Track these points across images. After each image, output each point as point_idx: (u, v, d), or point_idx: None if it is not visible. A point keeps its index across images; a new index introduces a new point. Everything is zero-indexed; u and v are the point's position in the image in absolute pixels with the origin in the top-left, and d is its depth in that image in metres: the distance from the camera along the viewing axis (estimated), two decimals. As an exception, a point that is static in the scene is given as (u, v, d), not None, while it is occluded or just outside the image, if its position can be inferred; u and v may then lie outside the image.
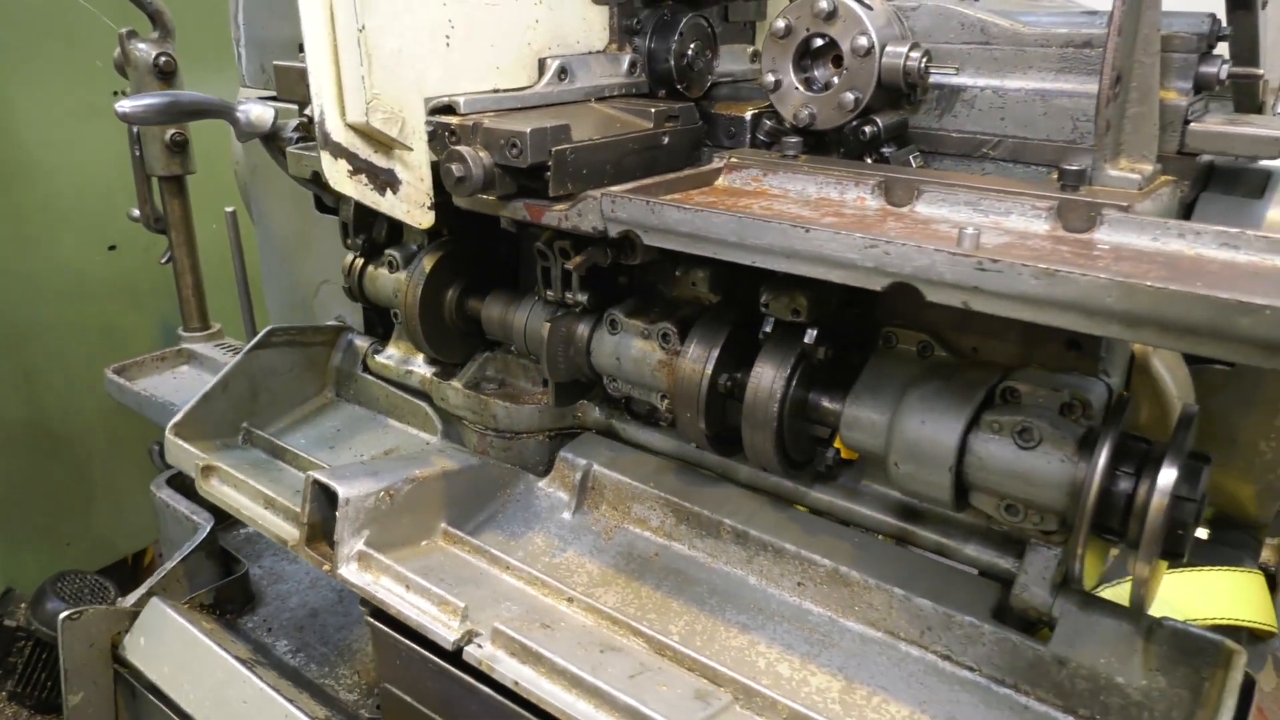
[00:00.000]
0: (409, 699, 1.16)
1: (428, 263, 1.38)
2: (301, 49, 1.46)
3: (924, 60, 1.11)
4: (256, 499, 1.29)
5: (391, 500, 1.17)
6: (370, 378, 1.58)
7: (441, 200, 1.12)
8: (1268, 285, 0.76)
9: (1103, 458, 0.85)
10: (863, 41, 1.10)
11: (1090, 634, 0.94)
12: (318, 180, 1.46)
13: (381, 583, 1.12)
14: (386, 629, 1.15)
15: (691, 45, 1.29)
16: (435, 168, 1.06)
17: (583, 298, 1.22)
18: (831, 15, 1.11)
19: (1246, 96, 1.10)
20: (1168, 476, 0.82)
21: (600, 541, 1.24)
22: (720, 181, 1.11)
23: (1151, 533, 0.82)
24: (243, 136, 1.41)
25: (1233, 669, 0.86)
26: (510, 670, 0.99)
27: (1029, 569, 0.99)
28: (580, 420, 1.39)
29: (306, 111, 1.40)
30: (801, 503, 1.19)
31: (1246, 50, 1.09)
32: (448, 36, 1.03)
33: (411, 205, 1.04)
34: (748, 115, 1.23)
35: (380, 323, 1.63)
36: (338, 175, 0.97)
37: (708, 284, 1.13)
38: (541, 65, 1.17)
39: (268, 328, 1.54)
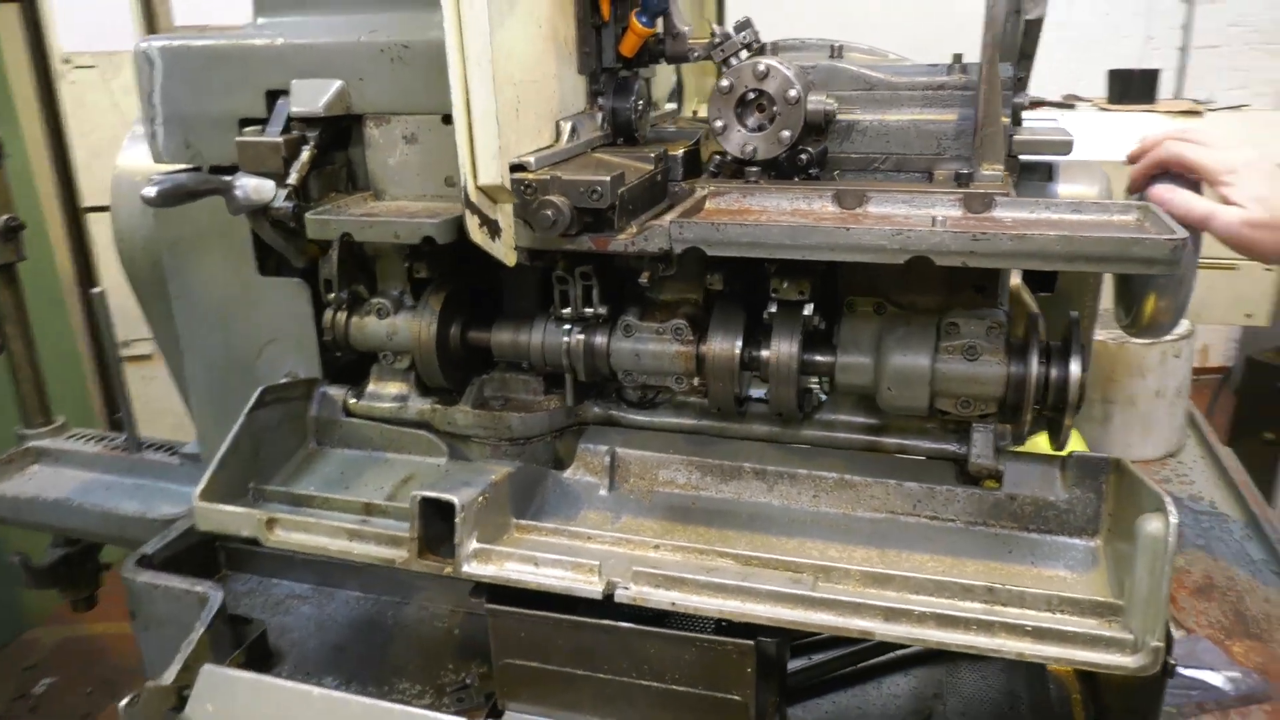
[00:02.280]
0: (536, 664, 1.38)
1: (435, 303, 1.58)
2: (243, 123, 1.61)
3: (835, 105, 1.53)
4: (338, 535, 1.42)
5: (485, 503, 1.38)
6: (358, 420, 1.71)
7: (431, 249, 1.35)
8: (1115, 228, 1.26)
9: (1035, 357, 1.32)
10: (793, 93, 1.49)
11: (1026, 476, 1.41)
12: (309, 244, 1.60)
13: (508, 568, 1.33)
14: (510, 609, 1.36)
15: (640, 101, 1.61)
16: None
17: (604, 310, 1.50)
18: (765, 75, 1.50)
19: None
20: (1077, 363, 1.31)
21: (643, 504, 1.53)
22: (710, 205, 1.45)
23: (1074, 398, 1.30)
24: (238, 210, 1.51)
25: (1118, 471, 1.36)
26: (662, 598, 1.26)
27: (977, 444, 1.44)
28: (581, 417, 1.66)
29: (289, 180, 1.54)
30: (794, 440, 1.56)
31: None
32: (517, 110, 1.28)
33: (506, 248, 1.27)
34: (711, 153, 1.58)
35: (352, 368, 1.76)
36: (473, 228, 1.19)
37: (721, 281, 1.46)
38: (557, 127, 1.44)
39: (260, 389, 1.62)
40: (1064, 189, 1.57)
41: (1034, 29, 1.55)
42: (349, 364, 1.79)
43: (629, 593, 1.27)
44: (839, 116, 1.56)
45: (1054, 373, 1.34)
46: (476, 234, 1.21)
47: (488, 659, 1.62)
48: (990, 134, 1.45)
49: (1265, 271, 3.05)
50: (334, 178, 1.65)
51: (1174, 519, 1.09)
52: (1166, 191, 1.44)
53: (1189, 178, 1.49)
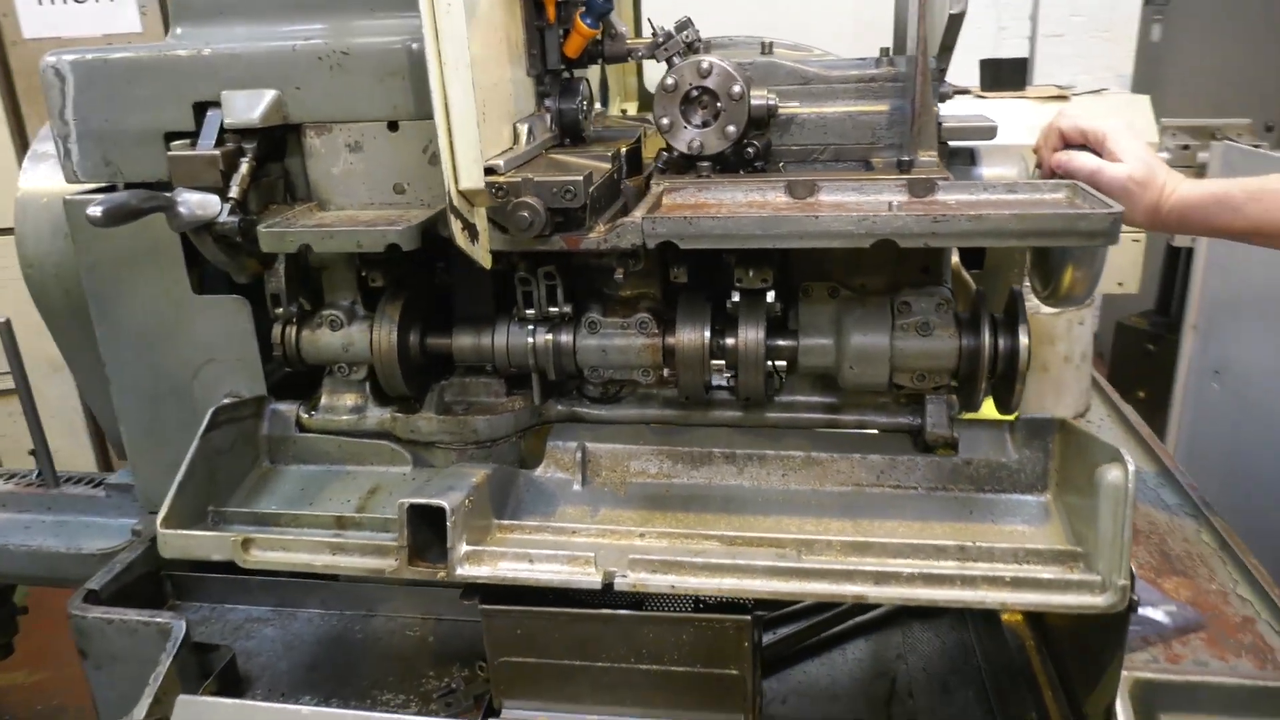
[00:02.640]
0: (534, 660, 1.39)
1: (393, 311, 1.56)
2: (168, 138, 1.56)
3: (776, 99, 1.60)
4: (320, 549, 1.39)
5: (470, 506, 1.38)
6: (313, 435, 1.67)
7: (385, 257, 1.34)
8: (1053, 205, 1.37)
9: (986, 331, 1.42)
10: (737, 89, 1.55)
11: (979, 441, 1.51)
12: (250, 259, 1.55)
13: (502, 568, 1.34)
14: (506, 608, 1.37)
15: (584, 102, 1.64)
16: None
17: (569, 309, 1.52)
18: (708, 72, 1.55)
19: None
20: (1025, 333, 1.41)
21: (618, 496, 1.56)
22: (667, 200, 1.49)
23: (1023, 367, 1.40)
24: (181, 226, 1.46)
25: (1064, 430, 1.47)
26: (661, 582, 1.29)
27: (932, 415, 1.53)
28: (545, 416, 1.68)
29: (232, 194, 1.49)
30: (759, 424, 1.61)
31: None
32: (483, 114, 1.28)
33: (483, 251, 1.28)
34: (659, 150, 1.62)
35: (303, 383, 1.72)
36: (457, 233, 1.19)
37: (687, 275, 1.50)
38: (515, 129, 1.45)
39: (212, 409, 1.57)
40: (987, 172, 1.68)
41: (955, 23, 1.65)
42: (284, 379, 1.75)
43: (628, 580, 1.30)
44: (783, 111, 1.62)
45: (1002, 343, 1.44)
46: (460, 238, 1.21)
47: (468, 663, 1.63)
48: (925, 123, 1.55)
49: (1134, 242, 3.31)
50: (272, 190, 1.61)
51: (1132, 468, 1.19)
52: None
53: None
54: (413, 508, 1.33)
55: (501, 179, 1.30)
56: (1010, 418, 1.52)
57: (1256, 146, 3.13)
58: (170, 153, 1.52)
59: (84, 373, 1.95)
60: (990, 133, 1.70)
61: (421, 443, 1.64)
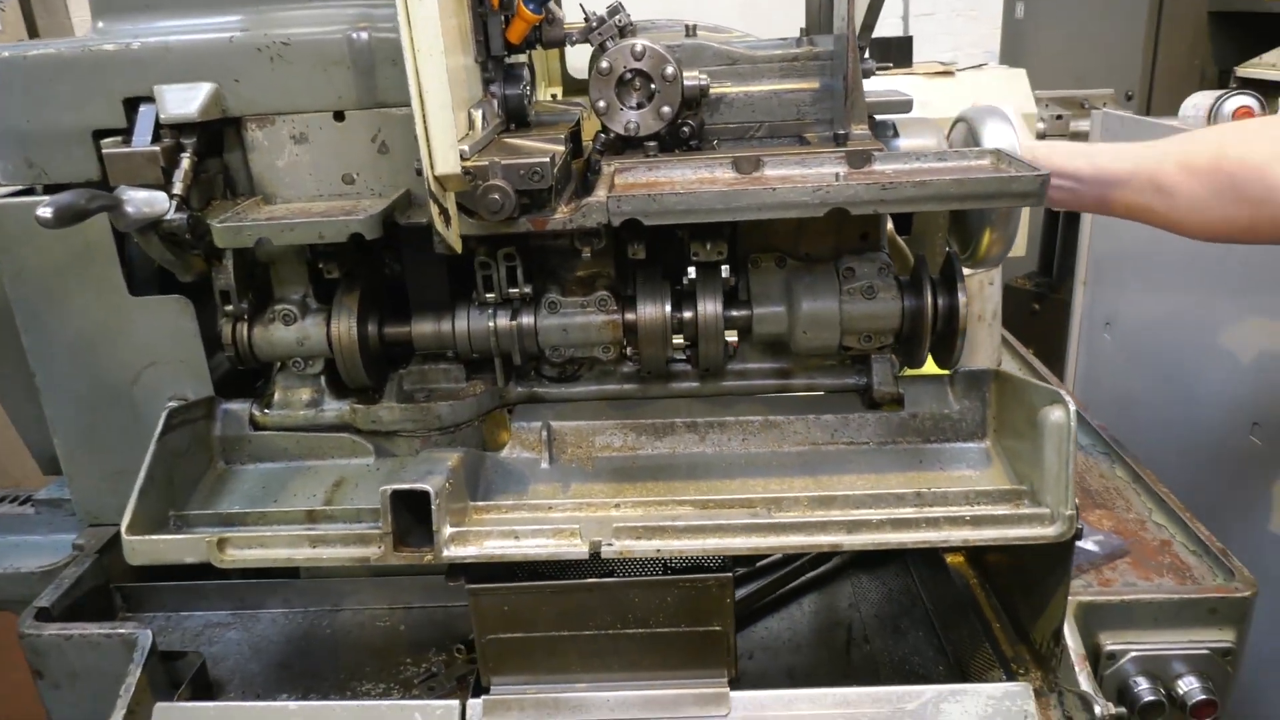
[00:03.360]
0: (521, 635, 1.42)
1: (351, 302, 1.56)
2: (98, 136, 1.52)
3: (708, 80, 1.66)
4: (299, 543, 1.39)
5: (450, 489, 1.40)
6: (268, 433, 1.65)
7: (338, 248, 1.35)
8: (981, 169, 1.47)
9: (928, 291, 1.52)
10: (670, 71, 1.60)
11: (922, 396, 1.62)
12: (200, 253, 1.52)
13: (489, 546, 1.36)
14: (493, 585, 1.39)
15: (527, 86, 1.66)
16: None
17: (528, 290, 1.55)
18: (641, 55, 1.59)
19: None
20: (963, 293, 1.51)
21: (586, 471, 1.60)
22: (619, 180, 1.53)
23: (962, 324, 1.51)
24: (129, 226, 1.42)
25: (999, 380, 1.58)
26: (645, 547, 1.35)
27: (878, 374, 1.63)
28: (505, 399, 1.70)
29: (176, 190, 1.46)
30: (716, 392, 1.68)
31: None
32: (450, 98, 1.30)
33: (455, 236, 1.30)
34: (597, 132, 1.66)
35: (247, 381, 1.69)
36: (435, 218, 1.21)
37: (644, 251, 1.54)
38: (469, 115, 1.46)
39: (166, 410, 1.53)
40: (908, 143, 1.78)
41: (877, 5, 1.75)
42: (226, 377, 1.72)
43: (614, 549, 1.35)
44: (714, 91, 1.68)
45: (942, 302, 1.54)
46: (439, 223, 1.22)
47: (444, 647, 1.65)
48: (857, 97, 1.63)
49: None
50: (211, 185, 1.58)
51: (1073, 408, 1.31)
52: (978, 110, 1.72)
53: None
54: (395, 494, 1.34)
55: (469, 163, 1.32)
56: (948, 372, 1.63)
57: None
58: (106, 150, 1.48)
59: (7, 384, 1.86)
60: (907, 105, 1.80)
61: (384, 432, 1.64)
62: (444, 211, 1.24)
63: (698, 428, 1.63)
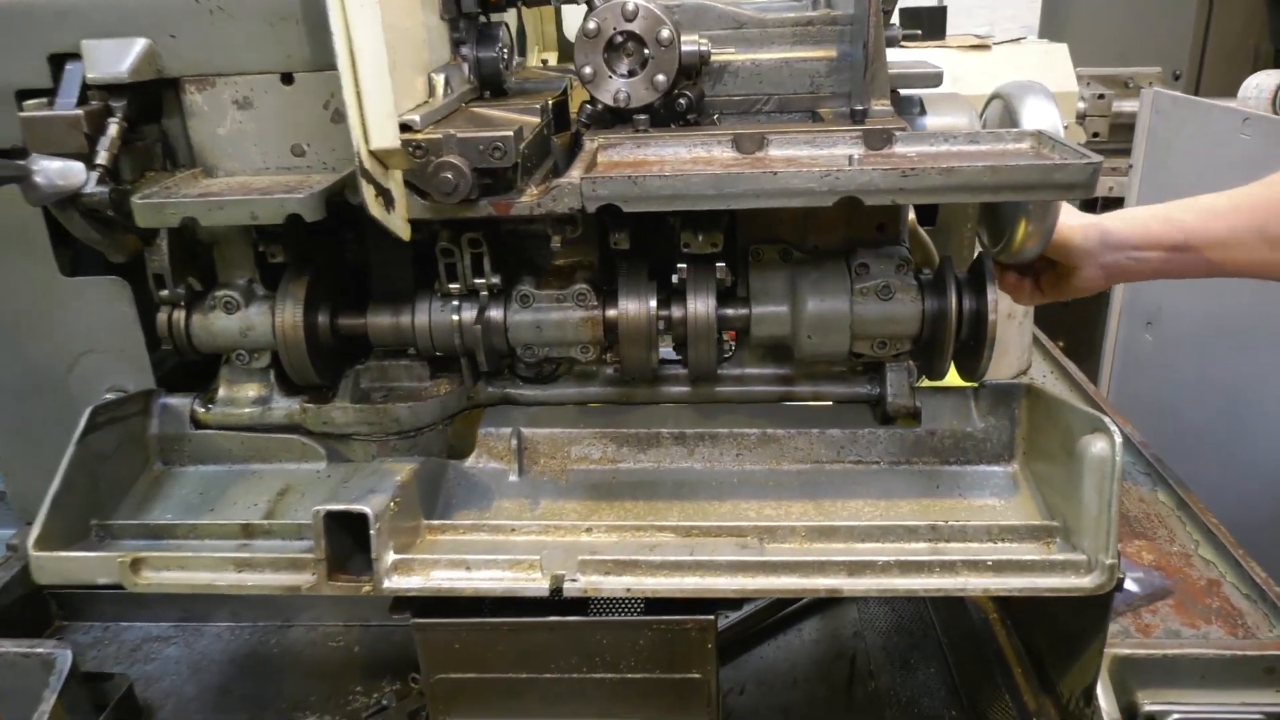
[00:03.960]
0: (474, 675, 1.25)
1: (298, 290, 1.38)
2: (20, 96, 1.35)
3: (709, 45, 1.46)
4: (223, 567, 1.22)
5: (397, 509, 1.23)
6: (211, 432, 1.49)
7: (287, 229, 1.17)
8: (1021, 155, 1.27)
9: (953, 291, 1.32)
10: (666, 34, 1.40)
11: (942, 410, 1.42)
12: (128, 235, 1.35)
13: (436, 577, 1.19)
14: (442, 620, 1.22)
15: (505, 50, 1.47)
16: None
17: (496, 280, 1.37)
18: (634, 15, 1.40)
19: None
20: (994, 292, 1.31)
21: (560, 485, 1.43)
22: (602, 158, 1.34)
23: (991, 331, 1.31)
24: (40, 200, 1.25)
25: (1030, 396, 1.39)
26: (615, 584, 1.17)
27: (893, 384, 1.43)
28: (474, 400, 1.52)
29: (100, 160, 1.29)
30: (709, 399, 1.50)
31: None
32: (394, 62, 1.11)
33: (401, 220, 1.12)
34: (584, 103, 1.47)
35: (199, 374, 1.53)
36: (370, 200, 1.03)
37: (628, 240, 1.36)
38: (430, 80, 1.28)
39: (90, 408, 1.37)
40: (935, 121, 1.58)
41: (905, -40, 1.54)
42: (176, 369, 1.56)
43: (578, 585, 1.17)
44: (717, 58, 1.49)
45: (968, 305, 1.34)
46: (374, 207, 1.04)
47: (400, 674, 1.49)
48: (879, 69, 1.43)
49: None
50: (147, 155, 1.40)
51: (1118, 438, 1.11)
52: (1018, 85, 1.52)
53: None
54: (330, 515, 1.17)
55: (419, 136, 1.13)
56: (973, 384, 1.43)
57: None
58: (23, 114, 1.31)
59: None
60: (937, 79, 1.60)
61: (337, 435, 1.47)
62: (383, 193, 1.06)
63: (686, 440, 1.45)
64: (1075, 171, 1.13)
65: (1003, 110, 1.65)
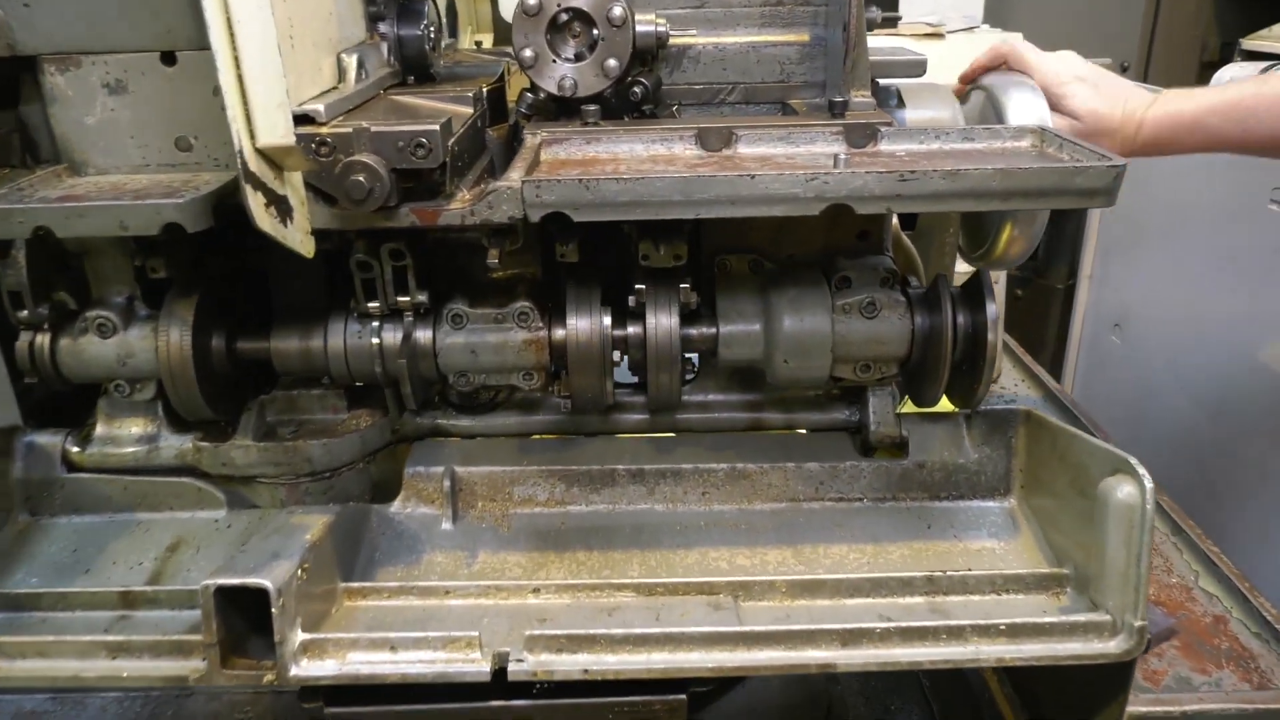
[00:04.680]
0: (402, 768, 1.06)
1: (185, 310, 1.17)
2: None
3: (666, 26, 1.28)
4: (94, 652, 1.01)
5: (306, 576, 1.03)
6: (86, 476, 1.26)
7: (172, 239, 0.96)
8: (1025, 155, 1.12)
9: (949, 308, 1.16)
10: (618, 11, 1.22)
11: (931, 440, 1.27)
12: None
13: (353, 661, 1.00)
14: (362, 709, 1.03)
15: (432, 28, 1.27)
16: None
17: (423, 298, 1.17)
18: (582, -11, 1.21)
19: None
20: (994, 306, 1.16)
21: (500, 534, 1.24)
22: (546, 155, 1.15)
23: (992, 351, 1.16)
24: None
25: (1029, 423, 1.24)
26: (569, 664, 0.99)
27: (876, 411, 1.28)
28: (400, 433, 1.33)
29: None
30: (669, 429, 1.32)
31: None
32: (291, 39, 0.91)
33: (302, 234, 0.91)
34: (524, 92, 1.27)
35: (69, 406, 1.30)
36: (258, 211, 0.82)
37: (578, 252, 1.17)
38: (339, 62, 1.07)
39: (-71, 455, 1.14)
40: (916, 115, 1.42)
41: (886, -68, 1.37)
42: (46, 400, 1.33)
43: (525, 666, 0.99)
44: (670, 40, 1.31)
45: (962, 321, 1.19)
46: (264, 219, 0.84)
47: (318, 754, 1.28)
48: (860, 55, 1.26)
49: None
50: (4, 149, 1.18)
51: (1149, 483, 0.97)
52: (1002, 77, 1.41)
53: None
54: (222, 591, 0.97)
55: (324, 130, 0.93)
56: (963, 410, 1.28)
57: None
58: None
59: None
60: (920, 68, 1.45)
61: (238, 478, 1.26)
62: (276, 201, 0.85)
63: (645, 478, 1.27)
64: (1097, 176, 0.98)
65: (984, 103, 1.51)
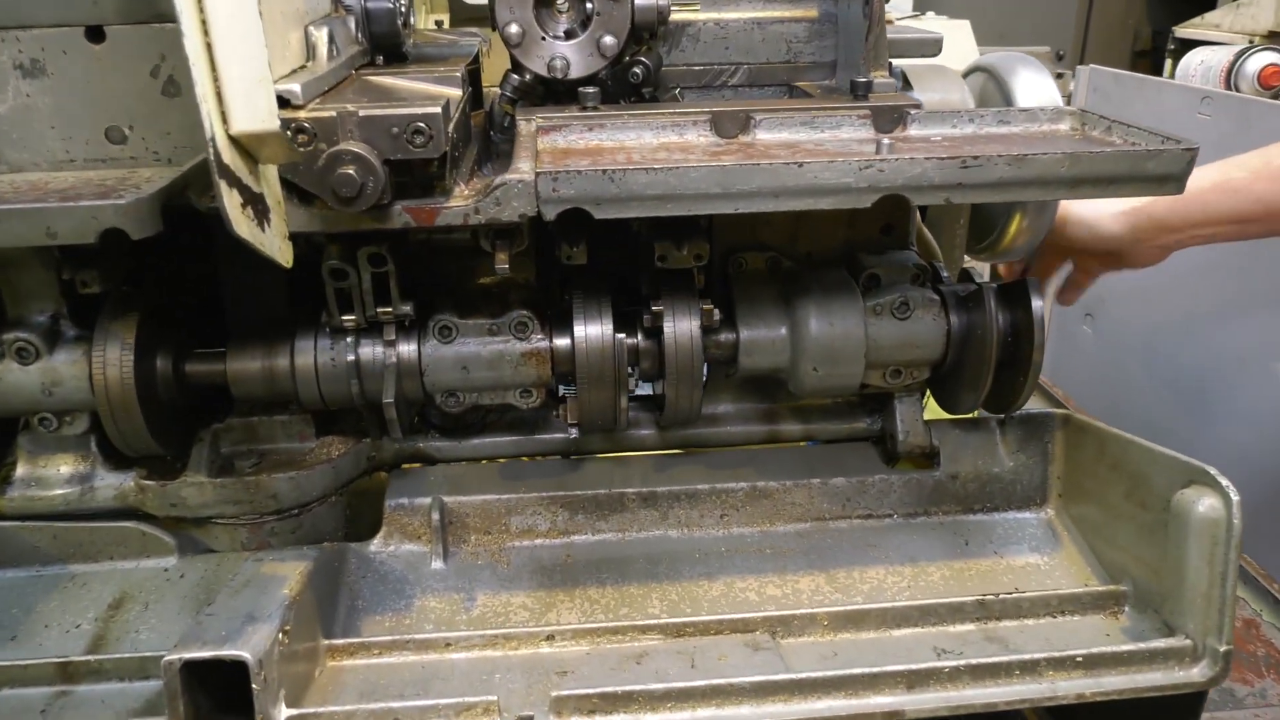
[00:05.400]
0: None
1: (125, 330, 1.00)
2: None
3: (668, 1, 1.15)
4: (30, 745, 0.84)
5: (288, 640, 0.88)
6: (7, 524, 1.08)
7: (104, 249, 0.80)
8: (1071, 141, 1.03)
9: (992, 305, 1.07)
10: (616, -18, 1.10)
11: (964, 448, 1.18)
12: None
13: (350, 735, 0.85)
14: (359, 789, 0.88)
15: (403, 2, 1.12)
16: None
17: (407, 308, 1.02)
18: (576, -44, 1.08)
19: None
20: (1039, 305, 1.07)
21: (501, 571, 1.10)
22: (544, 144, 1.02)
23: (1037, 353, 1.07)
24: None
25: (1068, 427, 1.16)
26: (604, 727, 0.86)
27: (904, 418, 1.18)
28: (377, 459, 1.17)
29: None
30: (679, 445, 1.20)
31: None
32: (258, 8, 0.76)
33: (281, 239, 0.76)
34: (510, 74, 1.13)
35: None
36: (234, 213, 0.67)
37: (586, 254, 1.03)
38: (308, 36, 0.92)
39: None
40: (926, 98, 1.32)
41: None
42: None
43: (553, 732, 0.86)
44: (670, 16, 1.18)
45: (1003, 321, 1.09)
46: (241, 222, 0.68)
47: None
48: (881, 33, 1.16)
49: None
50: (-108, 141, 0.99)
51: (1234, 495, 0.88)
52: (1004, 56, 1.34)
53: None
54: (188, 668, 0.81)
55: (303, 114, 0.78)
56: (992, 416, 1.19)
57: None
58: None
59: None
60: (936, 46, 1.35)
61: (190, 519, 1.09)
62: (253, 201, 0.70)
63: (657, 501, 1.14)
64: (1171, 160, 0.90)
65: (985, 83, 1.42)
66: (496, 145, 1.15)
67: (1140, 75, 2.23)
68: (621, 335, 1.04)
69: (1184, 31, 3.79)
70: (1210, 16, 3.70)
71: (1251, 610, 1.33)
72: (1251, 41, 3.11)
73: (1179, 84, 2.19)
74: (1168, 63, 3.74)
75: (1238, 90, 2.33)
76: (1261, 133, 1.82)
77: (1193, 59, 2.19)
